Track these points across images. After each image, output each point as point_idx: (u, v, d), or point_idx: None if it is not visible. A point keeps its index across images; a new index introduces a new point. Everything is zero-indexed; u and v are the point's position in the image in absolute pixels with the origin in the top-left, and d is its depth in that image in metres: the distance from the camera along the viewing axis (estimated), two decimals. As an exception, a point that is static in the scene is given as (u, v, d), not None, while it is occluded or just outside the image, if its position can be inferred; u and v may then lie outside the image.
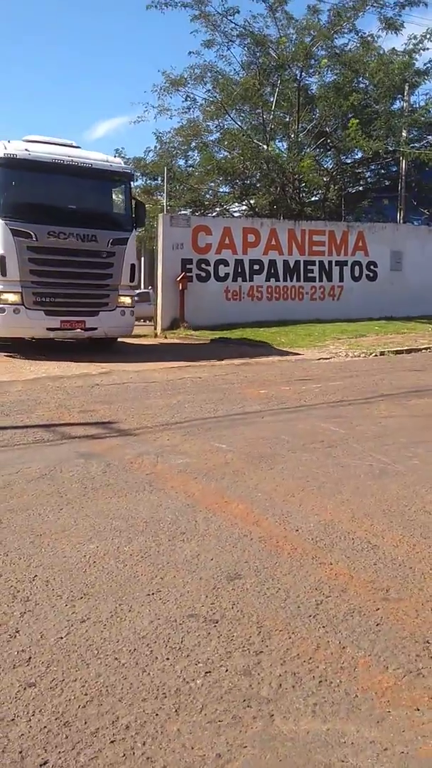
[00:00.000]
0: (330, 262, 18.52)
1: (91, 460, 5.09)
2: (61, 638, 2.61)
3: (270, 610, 2.85)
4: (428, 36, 19.88)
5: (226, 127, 22.47)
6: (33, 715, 2.17)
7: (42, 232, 10.77)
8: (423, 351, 12.84)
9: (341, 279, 18.68)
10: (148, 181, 23.54)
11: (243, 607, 2.87)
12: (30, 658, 2.48)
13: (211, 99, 21.63)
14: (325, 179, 22.69)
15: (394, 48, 20.76)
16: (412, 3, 19.84)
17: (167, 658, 2.49)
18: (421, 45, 20.16)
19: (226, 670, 2.42)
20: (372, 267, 19.09)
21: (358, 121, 19.25)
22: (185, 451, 5.47)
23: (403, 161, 22.44)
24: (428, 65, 21.30)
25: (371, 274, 19.10)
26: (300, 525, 3.83)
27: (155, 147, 23.26)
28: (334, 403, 7.55)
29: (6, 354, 11.10)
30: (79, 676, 2.37)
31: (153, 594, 2.98)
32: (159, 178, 22.30)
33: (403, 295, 18.88)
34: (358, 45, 20.55)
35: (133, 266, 11.94)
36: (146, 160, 22.83)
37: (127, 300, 11.92)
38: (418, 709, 2.22)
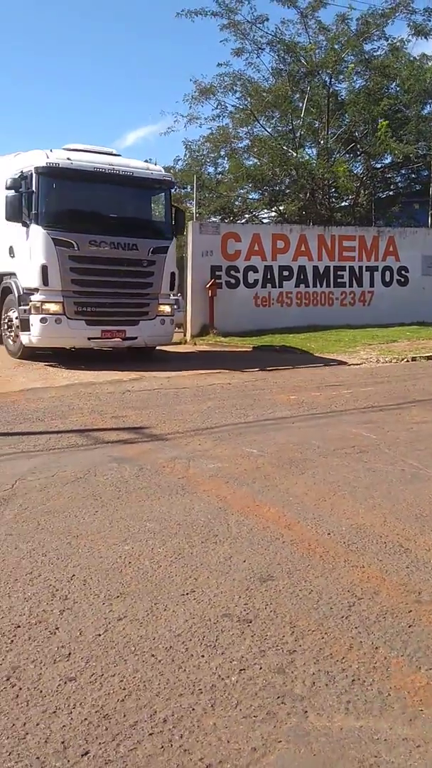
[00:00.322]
0: (360, 268, 18.46)
1: (125, 464, 5.19)
2: (99, 635, 2.69)
3: (303, 611, 2.90)
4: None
5: (255, 134, 22.60)
6: (74, 707, 2.25)
7: (83, 241, 10.67)
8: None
9: (372, 284, 18.60)
10: (178, 189, 23.76)
11: (276, 608, 2.92)
12: (70, 653, 2.56)
13: (241, 106, 21.79)
14: (355, 184, 22.66)
15: (424, 53, 20.67)
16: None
17: (202, 656, 2.55)
18: (451, 50, 20.14)
19: (260, 668, 2.47)
20: (403, 272, 18.98)
21: (387, 122, 19.18)
22: (216, 455, 5.53)
23: (434, 165, 22.33)
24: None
25: (402, 279, 18.98)
26: (332, 528, 3.87)
27: (184, 155, 23.49)
28: (365, 409, 7.56)
29: (46, 363, 11.01)
30: (117, 672, 2.44)
31: (187, 594, 3.05)
32: (188, 186, 22.49)
33: (435, 300, 18.74)
34: (388, 51, 20.52)
35: (173, 274, 11.79)
36: (175, 169, 23.05)
37: (167, 308, 11.79)
38: (451, 709, 2.25)
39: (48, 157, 10.73)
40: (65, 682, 2.38)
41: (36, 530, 3.80)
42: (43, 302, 10.56)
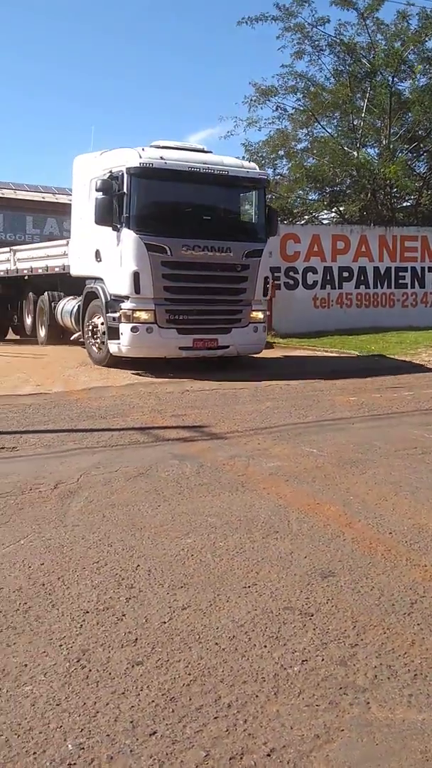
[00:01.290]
0: (423, 269, 18.15)
1: (185, 461, 5.28)
2: (164, 623, 2.78)
3: (364, 606, 2.92)
4: None
5: (315, 135, 22.51)
6: (141, 690, 2.33)
7: (176, 246, 10.05)
8: None
9: (435, 286, 18.30)
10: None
11: (337, 603, 2.95)
12: (136, 639, 2.65)
13: (301, 108, 21.72)
14: (417, 184, 22.30)
15: None
16: None
17: (265, 646, 2.60)
18: None
19: (322, 660, 2.51)
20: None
21: None
22: (276, 454, 5.57)
23: None
24: None
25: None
26: (393, 528, 3.86)
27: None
28: (427, 411, 7.47)
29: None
30: (182, 658, 2.52)
31: (249, 587, 3.10)
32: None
33: None
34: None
35: (266, 279, 11.12)
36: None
37: (260, 315, 11.14)
38: None
39: (141, 157, 10.05)
40: (133, 666, 2.47)
41: (101, 522, 3.92)
42: (134, 310, 10.05)
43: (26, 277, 15.13)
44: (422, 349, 13.41)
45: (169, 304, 10.19)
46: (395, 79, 20.43)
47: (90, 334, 11.22)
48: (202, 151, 11.31)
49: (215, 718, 2.18)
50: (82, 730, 2.12)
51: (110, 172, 10.22)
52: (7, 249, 16.40)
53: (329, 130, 22.27)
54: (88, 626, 2.75)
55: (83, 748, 2.02)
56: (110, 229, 10.11)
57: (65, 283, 13.14)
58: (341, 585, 3.12)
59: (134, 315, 10.04)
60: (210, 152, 11.37)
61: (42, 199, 31.77)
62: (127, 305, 10.06)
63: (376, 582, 3.15)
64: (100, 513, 4.08)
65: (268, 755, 2.01)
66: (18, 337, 16.85)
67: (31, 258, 14.88)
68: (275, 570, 3.29)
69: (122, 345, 10.16)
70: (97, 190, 10.09)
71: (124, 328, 10.07)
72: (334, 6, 19.69)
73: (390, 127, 21.04)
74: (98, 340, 11.00)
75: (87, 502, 4.28)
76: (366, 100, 20.77)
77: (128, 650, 2.57)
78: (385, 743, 2.06)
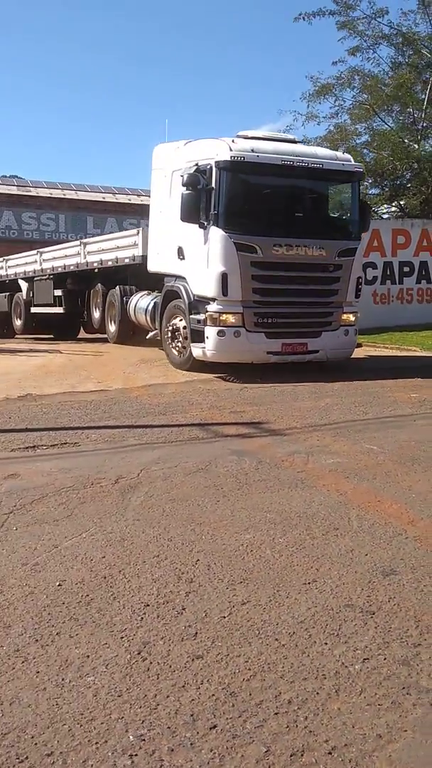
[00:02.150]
0: None
1: (244, 457, 5.27)
2: (224, 617, 2.78)
3: (428, 605, 2.85)
4: None
5: (375, 128, 22.12)
6: (201, 684, 2.34)
7: (267, 245, 9.44)
8: None
9: None
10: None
11: (399, 601, 2.89)
12: (196, 633, 2.66)
13: (359, 102, 21.39)
14: None
15: None
16: None
17: (325, 643, 2.57)
18: None
19: (384, 659, 2.46)
20: None
21: None
22: (335, 451, 5.51)
23: None
24: None
25: None
26: (457, 526, 3.77)
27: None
28: None
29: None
30: (242, 653, 2.51)
31: (309, 583, 3.08)
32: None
33: None
34: None
35: (359, 279, 10.49)
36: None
37: (351, 318, 10.45)
38: None
39: (231, 150, 9.33)
40: (193, 660, 2.48)
41: (161, 516, 3.96)
42: (221, 313, 9.45)
43: (96, 270, 14.99)
44: None
45: (257, 306, 9.63)
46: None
47: (170, 336, 10.67)
48: (293, 141, 10.66)
49: (276, 714, 2.16)
50: (143, 721, 2.13)
51: (197, 164, 9.58)
52: (77, 242, 16.40)
53: (389, 124, 21.87)
54: (149, 619, 2.77)
55: (144, 740, 2.04)
56: (196, 226, 9.52)
57: (137, 276, 12.85)
58: (403, 583, 3.06)
59: (221, 318, 9.46)
60: (300, 142, 10.67)
61: (102, 199, 32.28)
62: (213, 307, 9.49)
63: (439, 581, 3.07)
64: (159, 508, 4.11)
65: (329, 753, 1.98)
66: (88, 336, 16.93)
67: (100, 250, 14.69)
68: (336, 567, 3.25)
69: (207, 349, 9.59)
70: (183, 185, 9.51)
71: (210, 332, 9.51)
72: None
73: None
74: (179, 343, 10.47)
75: (147, 496, 4.32)
76: (427, 92, 20.29)
77: (188, 644, 2.58)
78: (450, 745, 2.00)
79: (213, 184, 9.34)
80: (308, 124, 25.26)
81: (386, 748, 2.00)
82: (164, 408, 7.37)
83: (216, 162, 9.35)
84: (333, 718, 2.14)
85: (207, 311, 9.55)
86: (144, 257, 12.16)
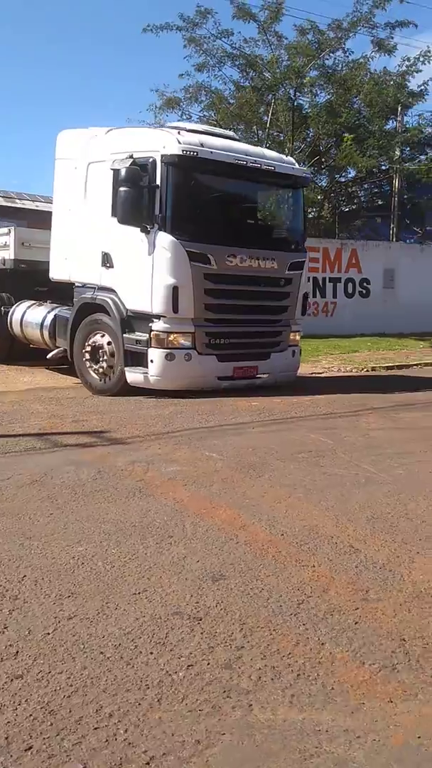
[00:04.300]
0: (324, 279, 18.68)
1: (82, 468, 5.17)
2: (48, 634, 2.69)
3: (253, 608, 2.93)
4: (421, 58, 20.21)
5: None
6: (19, 704, 2.24)
7: (221, 255, 8.39)
8: (414, 367, 12.97)
9: (335, 296, 18.84)
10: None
11: (227, 606, 2.95)
12: (17, 652, 2.55)
13: (205, 117, 21.89)
14: (319, 197, 22.94)
15: (385, 68, 21.08)
16: (402, 24, 20.19)
17: (151, 653, 2.56)
18: (414, 67, 20.49)
19: (208, 664, 2.49)
20: (365, 284, 19.28)
21: (353, 135, 19.44)
22: (176, 459, 5.55)
23: (397, 179, 22.74)
24: (422, 87, 21.62)
25: (364, 291, 19.28)
26: (285, 530, 3.92)
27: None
28: (324, 415, 7.65)
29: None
30: (65, 669, 2.44)
31: (139, 593, 3.06)
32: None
33: (396, 312, 19.03)
34: (350, 65, 20.85)
35: (306, 296, 9.70)
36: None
37: (298, 337, 9.68)
38: (392, 701, 2.30)
39: (180, 143, 8.10)
40: (11, 680, 2.37)
41: (-11, 532, 3.77)
42: (169, 333, 8.23)
43: None
44: (322, 357, 13.79)
45: (209, 325, 8.51)
46: (297, 93, 20.94)
47: (88, 357, 9.03)
48: (234, 139, 9.68)
49: (95, 728, 2.12)
50: None
51: (132, 158, 8.09)
52: None
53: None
54: (-33, 641, 2.62)
55: None
56: (135, 230, 8.22)
57: (13, 282, 11.23)
58: (231, 587, 3.13)
59: (169, 339, 8.25)
60: (238, 140, 9.74)
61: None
62: (159, 326, 8.22)
63: (265, 584, 3.17)
64: (-13, 522, 3.92)
65: (147, 764, 1.97)
66: None
67: None
68: (167, 575, 3.26)
69: (151, 375, 8.31)
70: (121, 181, 8.08)
71: (156, 355, 8.22)
72: (236, 19, 19.94)
73: (293, 141, 21.55)
74: (103, 364, 8.84)
75: (-26, 511, 4.11)
76: (269, 114, 21.19)
77: (8, 664, 2.47)
78: (265, 744, 2.06)
79: (158, 182, 8.13)
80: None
81: (204, 754, 2.02)
82: (1, 417, 7.07)
83: (162, 156, 8.08)
84: (153, 727, 2.13)
85: (152, 330, 8.23)
86: (16, 261, 11.00)
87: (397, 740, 2.10)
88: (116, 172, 8.21)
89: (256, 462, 5.48)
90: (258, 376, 9.19)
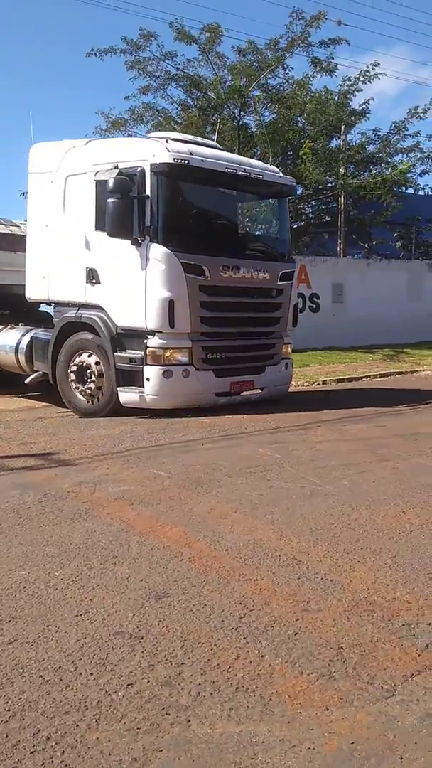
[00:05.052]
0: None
1: (28, 491, 5.12)
2: (-13, 660, 2.66)
3: (194, 624, 2.96)
4: (362, 78, 20.75)
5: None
6: None
7: (215, 266, 8.21)
8: (363, 379, 13.21)
9: (285, 310, 19.08)
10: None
11: (168, 623, 2.97)
12: None
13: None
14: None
15: (326, 87, 21.49)
16: (335, 41, 20.70)
17: (91, 674, 2.56)
18: (355, 86, 21.02)
19: (148, 682, 2.51)
20: (315, 299, 19.55)
21: (311, 143, 19.75)
22: (123, 479, 5.55)
23: (342, 196, 23.22)
24: (363, 106, 22.17)
25: (314, 306, 19.55)
26: (230, 545, 3.95)
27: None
28: (273, 430, 7.74)
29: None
30: (2, 694, 2.43)
31: (81, 615, 3.05)
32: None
33: (345, 326, 19.36)
34: (293, 85, 21.28)
35: (296, 307, 9.63)
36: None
37: (290, 349, 9.62)
38: (328, 709, 2.35)
39: (169, 151, 7.90)
40: None
41: None
42: (166, 349, 7.99)
43: None
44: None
45: (206, 339, 8.32)
46: (242, 113, 21.26)
47: (74, 378, 8.73)
48: (217, 147, 9.60)
49: (32, 752, 2.11)
50: None
51: (117, 168, 7.90)
52: None
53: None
54: None
55: None
56: (125, 243, 7.97)
57: None
58: (174, 605, 3.15)
59: (166, 355, 8.00)
60: (220, 149, 9.67)
61: None
62: (155, 342, 7.98)
63: (208, 600, 3.20)
64: None
65: (83, 785, 1.97)
66: None
67: None
68: (110, 595, 3.26)
69: (148, 394, 8.03)
70: (109, 192, 7.82)
71: (152, 372, 7.96)
72: (178, 41, 20.18)
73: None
74: (91, 385, 8.56)
75: None
76: (216, 133, 21.46)
77: None
78: (201, 759, 2.09)
79: (148, 192, 7.91)
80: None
81: (140, 771, 2.03)
82: None
83: (152, 165, 7.87)
84: (91, 748, 2.13)
85: (147, 347, 7.98)
86: None
87: (331, 747, 2.14)
88: (102, 183, 8.04)
89: (203, 478, 5.52)
90: (254, 390, 9.12)
